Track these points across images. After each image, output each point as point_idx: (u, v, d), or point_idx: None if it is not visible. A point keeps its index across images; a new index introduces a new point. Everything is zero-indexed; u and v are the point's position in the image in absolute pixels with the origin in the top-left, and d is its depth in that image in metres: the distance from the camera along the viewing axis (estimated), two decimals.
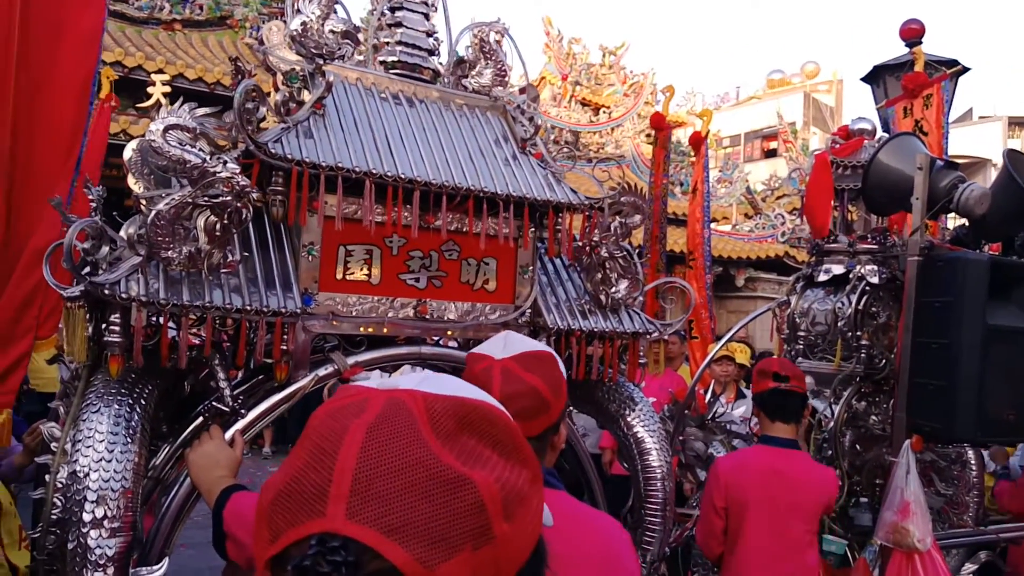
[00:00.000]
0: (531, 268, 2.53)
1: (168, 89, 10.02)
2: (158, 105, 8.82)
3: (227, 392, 2.09)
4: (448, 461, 0.67)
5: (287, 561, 0.64)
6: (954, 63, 5.79)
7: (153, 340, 1.98)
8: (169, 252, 1.91)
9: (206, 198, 1.89)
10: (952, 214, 3.65)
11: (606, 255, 2.54)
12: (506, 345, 1.65)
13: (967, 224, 3.55)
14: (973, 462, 4.15)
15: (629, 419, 2.72)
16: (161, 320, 1.94)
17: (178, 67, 10.67)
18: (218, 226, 1.93)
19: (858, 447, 3.84)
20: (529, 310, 2.53)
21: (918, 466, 3.17)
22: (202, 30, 12.76)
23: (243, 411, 2.10)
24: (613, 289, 2.58)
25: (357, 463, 0.65)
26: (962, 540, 3.82)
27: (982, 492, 4.19)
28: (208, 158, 1.89)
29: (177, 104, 1.97)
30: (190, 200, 1.90)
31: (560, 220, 2.47)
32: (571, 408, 2.85)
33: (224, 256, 2.00)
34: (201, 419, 2.17)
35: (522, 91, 2.63)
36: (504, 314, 2.50)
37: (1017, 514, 4.26)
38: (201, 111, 1.96)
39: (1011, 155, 3.41)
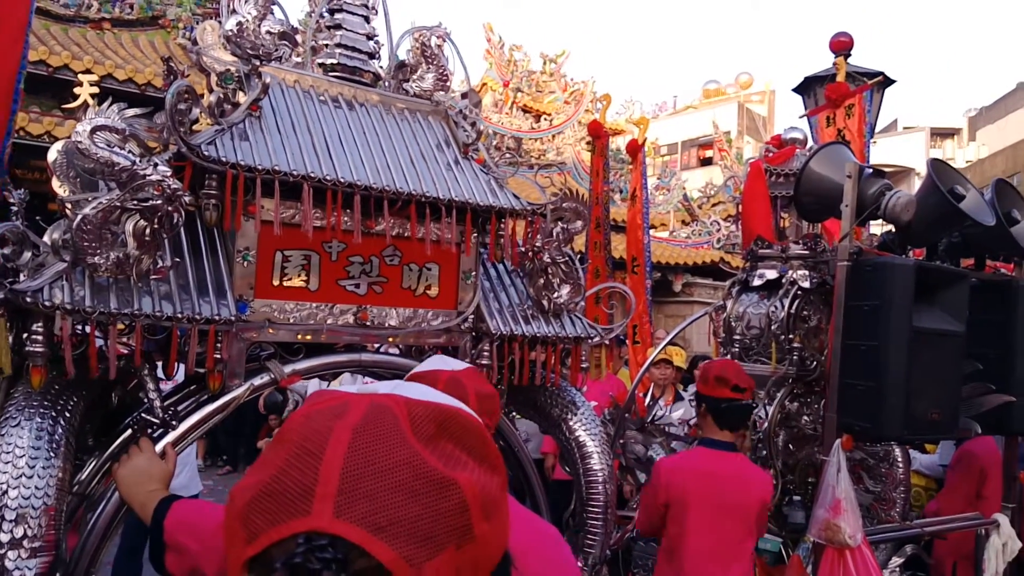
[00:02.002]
0: (474, 274, 2.52)
1: (96, 90, 9.69)
2: (85, 106, 8.54)
3: (157, 403, 2.02)
4: (432, 462, 0.69)
5: (269, 561, 0.64)
6: (879, 75, 6.00)
7: (79, 350, 1.90)
8: (96, 258, 1.83)
9: (135, 202, 1.82)
10: (877, 221, 3.76)
11: (548, 260, 2.54)
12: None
13: (893, 230, 3.65)
14: (900, 460, 4.29)
15: (571, 423, 2.73)
16: (88, 329, 1.86)
17: (107, 67, 10.34)
18: (148, 231, 1.86)
19: (791, 447, 3.92)
20: (472, 316, 2.52)
21: (848, 464, 3.24)
22: (132, 30, 12.39)
23: (174, 423, 2.03)
24: (556, 294, 2.59)
25: (344, 462, 0.66)
26: (890, 535, 3.92)
27: (908, 488, 4.33)
28: (138, 160, 1.83)
29: (105, 104, 1.90)
30: (118, 204, 1.82)
31: (503, 225, 2.46)
32: (514, 413, 2.85)
33: (154, 262, 1.93)
34: (130, 432, 2.09)
35: (464, 96, 2.61)
36: (446, 320, 2.48)
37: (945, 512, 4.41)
38: (131, 112, 1.89)
39: (935, 164, 3.53)
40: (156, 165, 1.84)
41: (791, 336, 3.79)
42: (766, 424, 3.82)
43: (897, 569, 4.09)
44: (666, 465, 3.35)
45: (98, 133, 1.79)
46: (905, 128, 37.63)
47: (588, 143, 6.46)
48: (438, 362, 1.71)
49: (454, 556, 0.67)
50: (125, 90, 10.01)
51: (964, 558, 4.32)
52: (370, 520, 0.64)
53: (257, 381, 2.16)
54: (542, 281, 2.58)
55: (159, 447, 1.95)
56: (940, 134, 37.99)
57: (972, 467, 4.49)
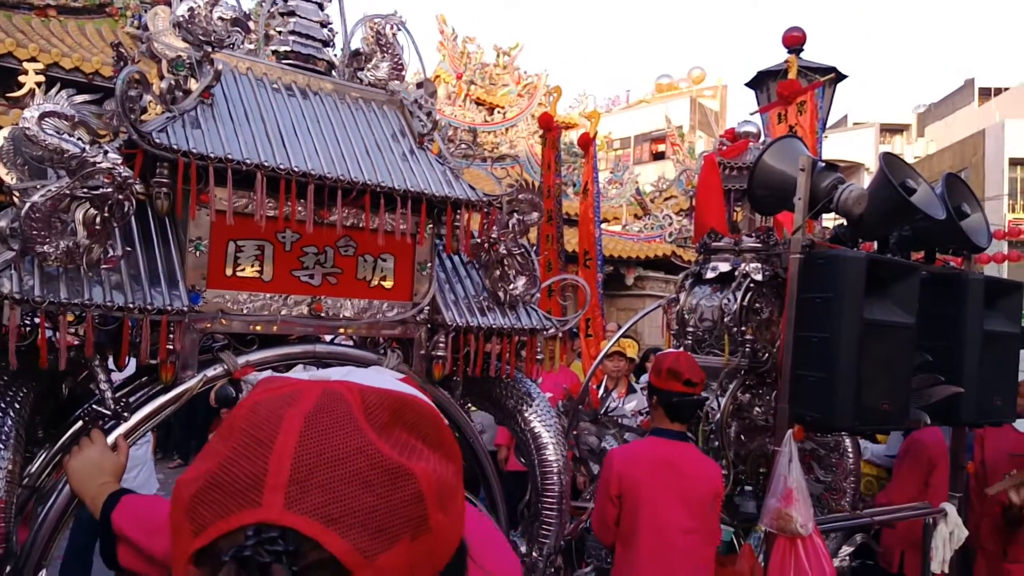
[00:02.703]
0: (429, 265, 2.51)
1: (42, 79, 9.42)
2: (31, 94, 8.30)
3: (108, 394, 1.98)
4: (387, 452, 0.67)
5: (217, 554, 0.63)
6: (831, 70, 6.11)
7: (28, 341, 1.86)
8: (45, 247, 1.79)
9: (85, 190, 1.79)
10: (827, 214, 3.83)
11: (504, 252, 2.55)
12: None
13: (846, 223, 3.72)
14: (850, 450, 4.38)
15: (526, 415, 2.74)
16: (37, 319, 1.82)
17: (53, 55, 10.07)
18: (98, 219, 1.83)
19: (743, 437, 3.98)
20: (427, 307, 2.52)
21: (799, 455, 3.30)
22: (79, 17, 12.06)
23: (126, 414, 2.00)
24: (511, 286, 2.59)
25: (296, 452, 0.64)
26: (840, 524, 4.01)
27: (858, 478, 4.43)
28: (87, 147, 1.79)
29: (54, 91, 1.85)
30: (68, 192, 1.79)
31: (459, 217, 2.46)
32: (469, 404, 2.86)
33: (105, 251, 1.89)
34: (81, 423, 2.05)
35: (419, 86, 2.61)
36: (402, 311, 2.47)
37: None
38: (80, 98, 1.85)
39: (887, 158, 3.59)
40: (106, 152, 1.80)
41: (743, 328, 3.85)
42: (718, 415, 3.87)
43: (847, 558, 4.19)
44: (618, 454, 3.39)
45: (47, 119, 1.75)
46: (855, 124, 38.38)
47: (541, 136, 6.47)
48: (373, 375, 1.68)
49: (409, 547, 0.65)
50: (72, 79, 9.76)
51: (912, 546, 4.43)
52: (323, 511, 0.62)
53: (210, 372, 2.13)
54: (498, 273, 2.59)
55: (111, 439, 1.92)
56: (889, 130, 38.83)
57: (920, 457, 4.60)
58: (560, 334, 2.60)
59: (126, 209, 1.87)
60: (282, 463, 0.64)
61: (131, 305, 1.90)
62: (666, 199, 19.50)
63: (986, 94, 32.16)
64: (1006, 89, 29.92)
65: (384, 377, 1.66)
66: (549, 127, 6.44)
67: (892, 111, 40.46)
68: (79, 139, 1.80)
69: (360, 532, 0.63)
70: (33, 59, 9.73)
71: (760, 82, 6.75)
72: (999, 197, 24.05)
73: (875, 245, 3.86)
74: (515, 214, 2.58)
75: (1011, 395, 4.05)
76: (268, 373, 2.24)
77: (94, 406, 2.01)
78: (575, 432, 4.10)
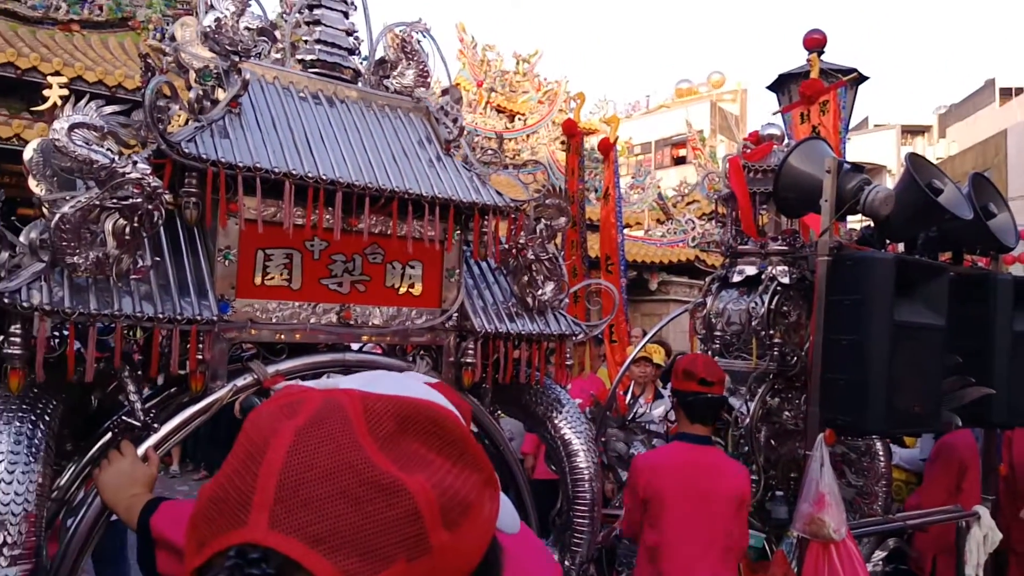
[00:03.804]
0: (457, 271, 2.50)
1: (66, 92, 9.53)
2: (54, 107, 8.40)
3: (138, 406, 1.98)
4: (383, 465, 0.63)
5: (211, 572, 0.60)
6: (853, 71, 6.05)
7: (57, 352, 1.86)
8: (75, 258, 1.79)
9: (115, 200, 1.79)
10: (854, 216, 3.79)
11: (532, 257, 2.53)
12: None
13: (872, 225, 3.68)
14: (881, 453, 4.31)
15: (556, 421, 2.72)
16: (67, 331, 1.82)
17: (76, 69, 10.18)
18: (128, 230, 1.83)
19: (773, 442, 3.94)
20: (456, 314, 2.50)
21: (830, 459, 3.25)
22: (102, 31, 12.20)
23: (156, 425, 1.99)
24: (540, 291, 2.57)
25: (283, 468, 0.61)
26: (873, 528, 3.95)
27: (890, 482, 4.36)
28: (117, 158, 1.79)
29: (83, 102, 1.86)
30: (97, 202, 1.79)
31: (486, 222, 2.45)
32: (498, 412, 2.84)
33: (134, 261, 1.90)
34: (110, 435, 2.05)
35: (444, 92, 2.60)
36: (431, 318, 2.46)
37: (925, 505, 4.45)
38: (109, 109, 1.85)
39: (913, 159, 3.55)
40: (135, 163, 1.80)
41: (771, 332, 3.81)
42: (748, 420, 3.83)
43: (880, 562, 4.12)
44: (642, 460, 3.36)
45: (76, 130, 1.75)
46: (876, 126, 38.05)
47: (562, 142, 6.45)
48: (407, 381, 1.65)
49: (405, 570, 0.61)
50: (96, 92, 9.85)
51: (945, 551, 4.36)
52: (308, 531, 0.59)
53: (240, 382, 2.12)
54: (526, 278, 2.57)
55: (141, 450, 1.91)
56: (911, 131, 38.46)
57: (952, 460, 4.53)
58: (587, 339, 2.58)
59: (155, 219, 1.87)
60: (269, 480, 0.61)
61: (161, 315, 1.90)
62: (688, 203, 19.42)
63: (1007, 94, 31.79)
64: None
65: (412, 382, 1.63)
66: (573, 133, 6.43)
67: (913, 112, 40.12)
68: (108, 150, 1.81)
69: (348, 553, 0.59)
70: (57, 73, 9.84)
71: (782, 85, 6.70)
72: (1022, 197, 23.76)
73: (900, 247, 3.81)
74: (542, 219, 2.56)
75: None
76: (296, 382, 2.23)
77: (123, 417, 2.01)
78: (603, 439, 4.06)
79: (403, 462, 0.64)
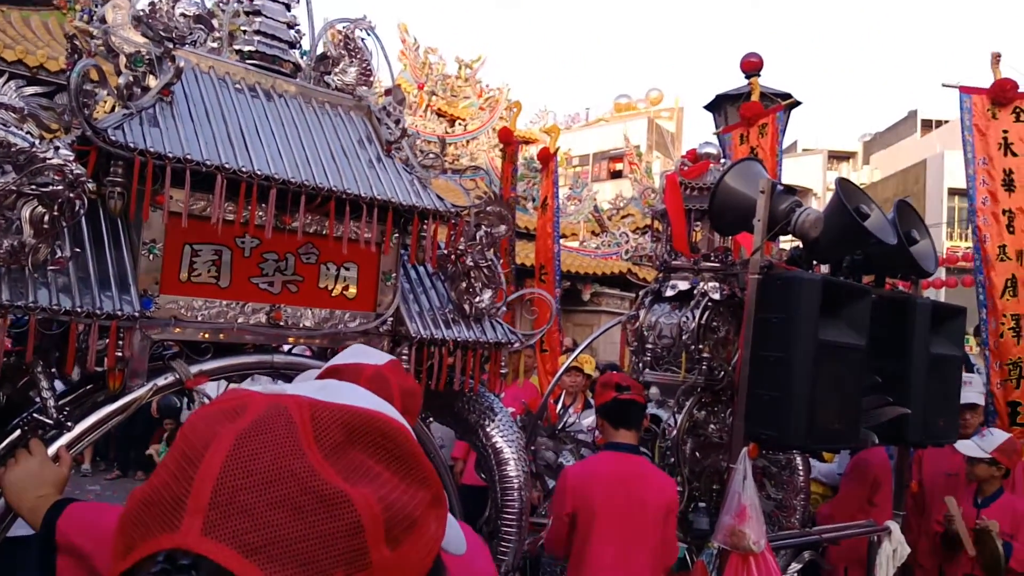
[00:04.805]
0: (394, 275, 2.46)
1: None
2: None
3: (51, 403, 1.88)
4: (327, 475, 0.60)
5: None
6: (788, 96, 6.22)
7: None
8: None
9: (33, 186, 1.70)
10: (784, 236, 3.87)
11: (471, 264, 2.51)
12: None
13: (801, 246, 3.76)
14: (801, 468, 4.42)
15: (488, 429, 2.70)
16: None
17: None
18: (46, 218, 1.74)
19: (697, 454, 3.99)
20: (391, 318, 2.46)
21: (752, 472, 3.31)
22: (23, 8, 11.67)
23: (69, 424, 1.89)
24: (477, 299, 2.55)
25: (221, 473, 0.58)
26: (790, 541, 4.04)
27: (808, 496, 4.48)
28: (37, 142, 1.70)
29: (1, 81, 1.76)
30: (14, 188, 1.69)
31: (426, 227, 2.41)
32: (430, 418, 2.80)
33: (52, 252, 1.80)
34: (18, 433, 1.94)
35: (388, 93, 2.55)
36: (365, 322, 2.41)
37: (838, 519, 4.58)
38: (30, 90, 1.76)
39: (842, 184, 3.65)
40: (57, 148, 1.71)
41: (701, 346, 3.86)
42: (675, 432, 3.87)
43: (795, 574, 4.21)
44: (572, 471, 3.37)
45: None
46: (805, 150, 39.29)
47: (501, 150, 6.45)
48: (359, 353, 1.61)
49: None
50: (15, 72, 9.43)
51: (855, 562, 4.51)
52: (243, 539, 0.56)
53: (161, 381, 2.05)
54: (464, 285, 2.54)
55: (52, 450, 1.82)
56: (837, 157, 39.84)
57: (866, 475, 4.68)
58: (526, 347, 2.58)
59: (77, 208, 1.78)
60: (205, 484, 0.58)
61: (79, 309, 1.81)
62: (623, 217, 19.64)
63: (928, 126, 33.27)
64: (946, 122, 30.91)
65: (370, 354, 1.59)
66: (509, 141, 6.44)
67: (839, 139, 41.51)
68: (28, 133, 1.71)
69: (283, 565, 0.56)
70: None
71: (718, 105, 6.85)
72: (938, 225, 24.80)
73: (823, 268, 3.92)
74: (482, 226, 2.54)
75: (954, 416, 4.15)
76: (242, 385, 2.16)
77: (34, 415, 1.90)
78: (532, 447, 4.05)
79: (348, 474, 0.62)
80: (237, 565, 0.55)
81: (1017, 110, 4.81)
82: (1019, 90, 4.83)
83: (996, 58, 4.95)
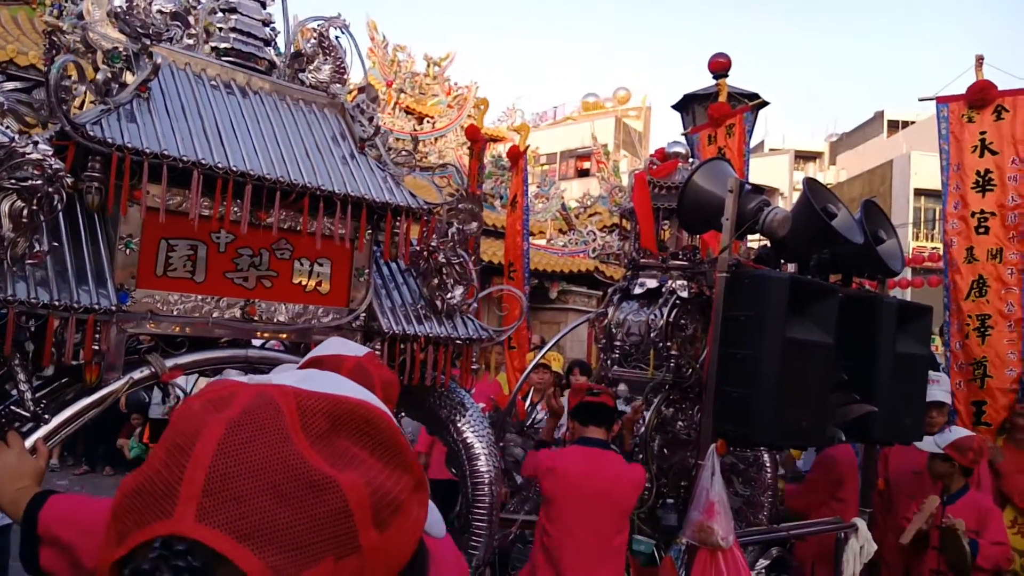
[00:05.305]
0: (367, 271, 2.49)
1: None
2: None
3: (28, 396, 1.89)
4: (315, 462, 0.62)
5: (133, 564, 0.58)
6: (755, 96, 6.32)
7: None
8: None
9: (12, 181, 1.71)
10: (752, 235, 3.94)
11: (443, 261, 2.54)
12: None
13: (769, 244, 3.82)
14: (768, 465, 4.49)
15: (459, 425, 2.73)
16: None
17: None
18: (25, 212, 1.75)
19: (665, 451, 4.05)
20: (364, 314, 2.49)
21: (720, 469, 3.36)
22: None
23: (46, 416, 1.90)
24: (449, 295, 2.59)
25: (212, 461, 0.60)
26: (758, 537, 4.09)
27: (776, 493, 4.54)
28: (16, 137, 1.71)
29: None
30: None
31: (398, 223, 2.44)
32: (402, 413, 2.83)
33: (30, 246, 1.81)
34: None
35: (361, 90, 2.58)
36: (337, 317, 2.44)
37: (802, 512, 4.66)
38: (9, 85, 1.77)
39: (809, 183, 3.71)
40: (36, 143, 1.73)
41: (669, 344, 3.91)
42: (643, 428, 3.93)
43: (763, 570, 4.28)
44: (545, 454, 3.41)
45: None
46: (772, 150, 39.63)
47: (469, 148, 6.47)
48: (337, 345, 1.65)
49: (333, 568, 0.60)
50: None
51: (823, 558, 4.56)
52: (236, 525, 0.58)
53: (136, 375, 2.06)
54: (436, 281, 2.58)
55: (30, 442, 1.82)
56: (803, 157, 40.21)
57: (831, 471, 4.74)
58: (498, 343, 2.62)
59: (55, 203, 1.80)
60: (197, 473, 0.60)
61: (56, 302, 1.83)
62: (591, 215, 19.72)
63: (894, 126, 33.70)
64: (913, 123, 31.40)
65: (349, 346, 1.62)
66: (476, 139, 6.46)
67: (806, 138, 41.94)
68: (7, 128, 1.72)
69: (276, 549, 0.58)
70: None
71: (686, 105, 6.92)
72: (904, 225, 25.19)
73: (791, 267, 3.97)
74: (455, 223, 2.58)
75: (919, 415, 4.20)
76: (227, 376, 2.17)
77: (11, 407, 1.91)
78: (501, 444, 4.09)
79: (335, 460, 0.64)
80: (231, 550, 0.57)
81: (999, 108, 4.89)
82: (999, 89, 4.92)
83: (980, 61, 5.05)
